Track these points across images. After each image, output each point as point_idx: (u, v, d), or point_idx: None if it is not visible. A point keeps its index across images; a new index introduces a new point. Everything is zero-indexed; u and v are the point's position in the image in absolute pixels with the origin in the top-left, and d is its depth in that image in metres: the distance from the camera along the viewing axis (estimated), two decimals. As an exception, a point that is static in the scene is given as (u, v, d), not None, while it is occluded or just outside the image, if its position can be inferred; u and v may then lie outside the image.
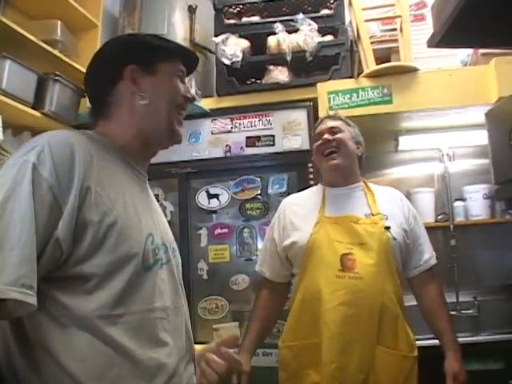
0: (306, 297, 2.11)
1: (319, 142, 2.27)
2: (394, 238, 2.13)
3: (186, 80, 1.50)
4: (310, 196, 2.36)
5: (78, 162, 1.14)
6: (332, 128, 2.28)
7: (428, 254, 2.33)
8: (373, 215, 2.17)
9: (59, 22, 3.00)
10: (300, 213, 2.27)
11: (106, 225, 1.14)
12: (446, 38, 1.43)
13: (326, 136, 2.25)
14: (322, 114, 2.98)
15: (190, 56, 1.53)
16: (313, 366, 2.07)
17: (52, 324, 1.09)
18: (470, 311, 3.36)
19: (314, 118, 3.16)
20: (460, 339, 2.98)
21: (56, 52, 2.93)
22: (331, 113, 2.38)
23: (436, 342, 2.36)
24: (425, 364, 2.26)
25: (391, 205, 2.27)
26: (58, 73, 2.89)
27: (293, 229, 2.22)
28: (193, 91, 3.08)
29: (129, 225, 1.20)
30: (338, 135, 2.25)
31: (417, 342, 2.47)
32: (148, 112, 1.37)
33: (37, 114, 2.81)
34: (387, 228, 2.13)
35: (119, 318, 1.14)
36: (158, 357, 1.20)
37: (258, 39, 3.44)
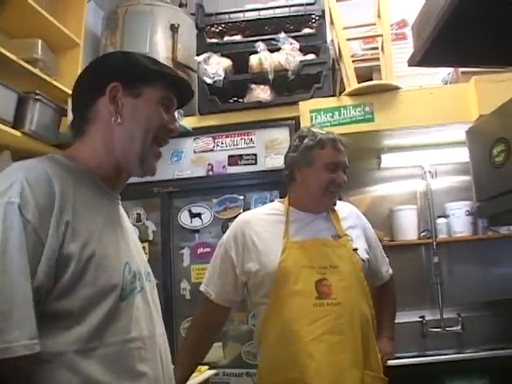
0: (282, 331, 1.95)
1: (334, 178, 2.06)
2: (363, 260, 2.08)
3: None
4: (270, 215, 2.17)
5: (57, 197, 1.10)
6: (347, 167, 2.12)
7: (386, 266, 2.32)
8: (339, 237, 2.09)
9: (40, 41, 2.99)
10: (262, 235, 2.09)
11: (84, 258, 1.10)
12: (426, 56, 1.44)
13: (344, 178, 2.08)
14: (304, 132, 2.98)
15: (183, 86, 1.41)
16: None
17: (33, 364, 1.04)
18: (454, 328, 3.37)
19: (296, 136, 3.17)
20: (445, 356, 3.00)
21: (37, 71, 2.91)
22: (342, 139, 2.15)
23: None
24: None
25: (353, 224, 2.19)
26: (38, 92, 2.87)
27: (257, 252, 2.05)
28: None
29: (106, 255, 1.16)
30: (345, 177, 2.11)
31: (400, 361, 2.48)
32: (121, 136, 1.28)
33: (17, 133, 2.77)
34: (355, 250, 2.07)
35: (93, 351, 1.09)
36: None
37: (239, 58, 3.45)
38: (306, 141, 2.12)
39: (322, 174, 2.07)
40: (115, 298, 1.15)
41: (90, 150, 1.29)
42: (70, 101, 3.02)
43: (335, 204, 2.15)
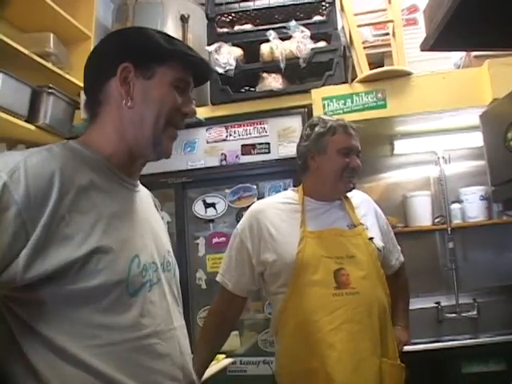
0: (301, 321, 1.95)
1: (348, 163, 2.06)
2: (379, 249, 2.08)
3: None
4: (285, 204, 2.16)
5: (55, 187, 1.04)
6: (359, 151, 2.11)
7: (397, 253, 2.32)
8: (355, 226, 2.09)
9: (52, 35, 3.00)
10: (278, 224, 2.08)
11: (82, 254, 1.05)
12: (438, 41, 1.43)
13: (358, 163, 2.08)
14: (316, 120, 2.99)
15: (200, 65, 1.33)
16: None
17: (39, 359, 1.04)
18: (470, 313, 3.36)
19: (308, 124, 3.17)
20: (461, 341, 3.00)
21: (49, 64, 2.93)
22: (352, 124, 2.16)
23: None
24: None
25: (367, 212, 2.19)
26: (51, 85, 2.89)
27: (273, 242, 2.04)
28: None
29: (111, 248, 1.10)
30: (359, 162, 2.10)
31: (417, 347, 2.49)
32: (132, 119, 1.22)
33: (31, 127, 2.80)
34: (371, 239, 2.07)
35: (102, 347, 1.06)
36: None
37: (250, 47, 3.45)
38: (316, 129, 2.12)
39: (335, 160, 2.07)
40: (119, 293, 1.10)
41: (104, 136, 1.24)
42: (82, 93, 3.06)
43: (352, 189, 2.14)
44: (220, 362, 2.71)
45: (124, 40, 1.28)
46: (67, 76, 3.05)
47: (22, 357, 1.04)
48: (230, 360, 2.90)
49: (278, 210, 2.14)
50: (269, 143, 3.28)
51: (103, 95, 1.24)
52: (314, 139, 2.11)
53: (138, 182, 1.37)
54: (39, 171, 1.05)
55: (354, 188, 2.15)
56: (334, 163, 2.07)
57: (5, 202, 0.99)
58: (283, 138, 3.25)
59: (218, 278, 2.17)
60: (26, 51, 2.72)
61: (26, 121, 2.77)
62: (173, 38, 1.29)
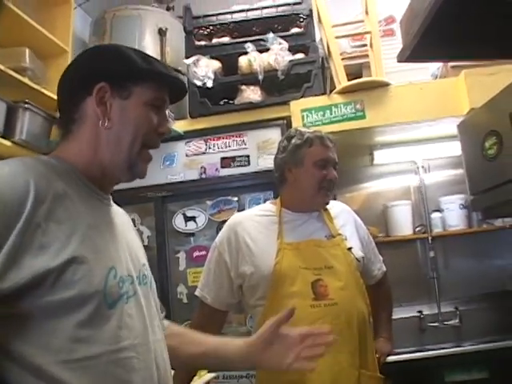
0: None
1: (325, 176, 2.07)
2: (358, 259, 2.07)
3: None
4: (262, 217, 2.16)
5: (30, 197, 1.02)
6: (336, 163, 2.12)
7: (379, 263, 2.33)
8: (333, 236, 2.08)
9: (27, 50, 2.97)
10: (255, 236, 2.08)
11: (59, 262, 1.03)
12: (415, 52, 1.44)
13: (334, 175, 2.09)
14: (296, 131, 2.99)
15: (177, 82, 1.34)
16: None
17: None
18: (452, 321, 3.37)
19: (288, 136, 3.17)
20: (443, 350, 3.00)
21: (25, 80, 2.89)
22: (329, 136, 2.16)
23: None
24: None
25: (346, 223, 2.19)
26: (27, 101, 2.85)
27: (251, 255, 2.04)
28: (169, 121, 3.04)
29: (87, 259, 1.08)
30: (336, 173, 2.11)
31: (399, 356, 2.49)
32: (108, 140, 1.21)
33: (7, 143, 2.75)
34: (349, 249, 2.06)
35: (79, 362, 1.03)
36: None
37: (229, 60, 3.45)
38: (293, 141, 2.12)
39: (312, 172, 2.07)
40: (96, 305, 1.08)
41: (77, 151, 1.22)
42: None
43: (328, 202, 2.13)
44: (202, 378, 2.68)
45: (100, 59, 1.27)
46: (44, 91, 3.02)
47: None
48: (212, 375, 2.87)
49: (255, 222, 2.13)
50: (248, 156, 3.27)
51: (78, 114, 1.23)
52: (291, 151, 2.11)
53: (111, 198, 1.35)
54: (13, 180, 1.03)
55: (334, 199, 2.14)
56: (310, 175, 2.07)
57: None
58: (263, 150, 3.25)
59: (196, 293, 2.15)
60: (1, 66, 2.69)
61: (1, 137, 2.73)
62: (149, 56, 1.28)
